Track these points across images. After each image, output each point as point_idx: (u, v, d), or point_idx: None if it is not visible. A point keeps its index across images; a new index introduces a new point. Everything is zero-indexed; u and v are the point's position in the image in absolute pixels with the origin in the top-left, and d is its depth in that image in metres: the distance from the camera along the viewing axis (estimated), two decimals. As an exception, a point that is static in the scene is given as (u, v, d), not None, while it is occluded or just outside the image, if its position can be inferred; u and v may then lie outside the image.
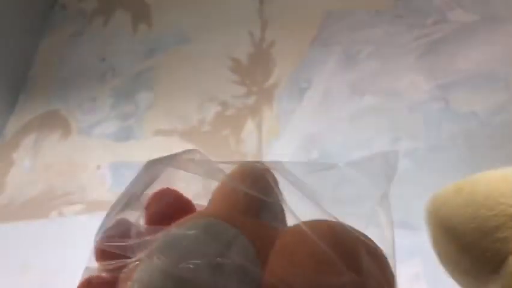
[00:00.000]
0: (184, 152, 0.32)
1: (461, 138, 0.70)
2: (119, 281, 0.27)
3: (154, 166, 0.32)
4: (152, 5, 1.05)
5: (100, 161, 0.85)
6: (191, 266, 0.24)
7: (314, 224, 0.27)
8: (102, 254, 0.28)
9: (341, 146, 0.74)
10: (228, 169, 0.30)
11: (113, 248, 0.27)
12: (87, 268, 0.29)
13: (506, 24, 0.78)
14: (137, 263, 0.26)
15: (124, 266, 0.27)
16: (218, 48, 0.93)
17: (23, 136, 0.94)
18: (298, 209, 0.28)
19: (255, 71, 0.87)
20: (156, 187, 0.31)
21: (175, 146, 0.82)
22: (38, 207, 0.82)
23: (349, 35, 0.86)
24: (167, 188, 0.30)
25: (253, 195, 0.28)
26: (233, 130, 0.81)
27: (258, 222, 0.28)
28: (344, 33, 0.86)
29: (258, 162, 0.30)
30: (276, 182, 0.29)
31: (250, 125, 0.81)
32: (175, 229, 0.27)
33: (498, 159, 0.67)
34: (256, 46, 0.91)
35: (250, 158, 0.77)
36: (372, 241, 0.28)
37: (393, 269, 0.29)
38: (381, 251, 0.28)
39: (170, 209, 0.30)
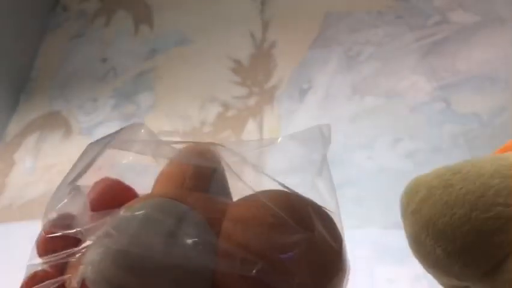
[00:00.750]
0: (127, 129, 0.33)
1: (462, 139, 0.70)
2: (67, 269, 0.26)
3: (93, 148, 0.32)
4: (154, 5, 1.05)
5: (101, 162, 0.85)
6: (144, 243, 0.24)
7: (266, 192, 0.28)
8: (45, 248, 0.28)
9: (342, 147, 0.74)
10: (172, 149, 0.31)
11: (58, 239, 0.27)
12: (29, 266, 0.28)
13: (507, 25, 0.78)
14: (86, 248, 0.26)
15: (70, 256, 0.27)
16: (219, 49, 0.93)
17: (25, 137, 0.94)
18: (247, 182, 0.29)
19: (256, 72, 0.87)
20: (97, 170, 0.31)
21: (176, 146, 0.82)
22: (39, 207, 0.82)
23: (350, 35, 0.86)
24: (107, 177, 0.31)
25: (201, 172, 0.29)
26: (234, 131, 0.81)
27: (207, 196, 0.28)
28: (344, 34, 0.86)
29: (200, 142, 0.31)
30: (221, 159, 0.30)
31: (251, 126, 0.81)
32: (123, 212, 0.27)
33: (499, 160, 0.67)
34: (257, 47, 0.91)
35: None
36: (318, 204, 0.29)
37: (340, 231, 0.30)
38: (327, 213, 0.29)
39: (112, 195, 0.30)
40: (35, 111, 0.98)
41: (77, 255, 0.26)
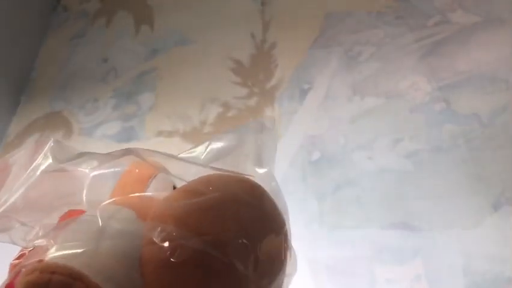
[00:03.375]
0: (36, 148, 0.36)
1: (462, 139, 0.70)
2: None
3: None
4: (154, 6, 1.06)
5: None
6: (79, 239, 0.28)
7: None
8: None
9: (342, 147, 0.74)
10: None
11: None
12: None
13: (507, 26, 0.78)
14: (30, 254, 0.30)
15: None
16: (220, 50, 0.93)
17: (26, 137, 0.94)
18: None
19: (256, 72, 0.88)
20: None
21: (177, 146, 0.82)
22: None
23: (350, 36, 0.86)
24: (72, 210, 0.35)
25: (139, 179, 0.34)
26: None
27: (142, 196, 0.33)
28: (345, 35, 0.86)
29: (144, 150, 0.34)
30: (161, 168, 0.34)
31: (251, 126, 0.81)
32: (69, 221, 0.31)
33: (499, 160, 0.67)
34: (257, 47, 0.91)
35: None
36: (245, 177, 0.33)
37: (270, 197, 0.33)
38: (253, 183, 0.33)
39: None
40: (36, 111, 0.98)
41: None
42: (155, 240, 0.27)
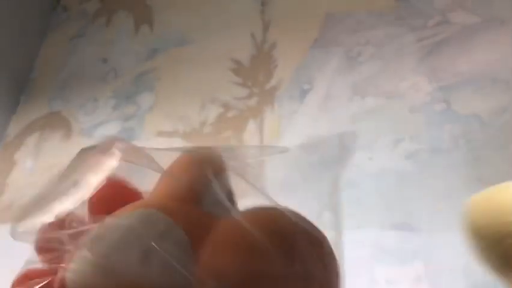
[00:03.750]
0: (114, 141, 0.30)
1: (463, 140, 0.70)
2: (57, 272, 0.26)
3: (92, 153, 0.30)
4: (154, 6, 1.05)
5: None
6: (120, 258, 0.23)
7: (251, 212, 0.26)
8: (42, 246, 0.27)
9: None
10: (173, 156, 0.29)
11: (50, 239, 0.26)
12: (27, 261, 0.28)
13: (508, 26, 0.78)
14: (71, 252, 0.25)
15: (61, 258, 0.26)
16: (220, 50, 0.93)
17: (25, 137, 0.94)
18: (244, 196, 0.28)
19: (256, 73, 0.87)
20: (96, 175, 0.29)
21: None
22: (39, 208, 0.82)
23: (350, 36, 0.86)
24: (113, 177, 0.29)
25: (196, 182, 0.27)
26: (235, 131, 0.81)
27: (196, 211, 0.27)
28: (345, 35, 0.86)
29: (203, 147, 0.29)
30: (222, 168, 0.28)
31: (251, 127, 0.81)
32: (109, 219, 0.26)
33: (500, 161, 0.67)
34: (257, 47, 0.91)
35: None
36: (316, 230, 0.27)
37: (339, 262, 0.27)
38: (326, 241, 0.27)
39: (115, 198, 0.28)
40: (36, 111, 0.98)
41: (64, 258, 0.26)
42: None
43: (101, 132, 0.89)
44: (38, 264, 0.27)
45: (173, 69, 0.94)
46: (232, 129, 0.82)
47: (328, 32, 0.88)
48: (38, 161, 0.89)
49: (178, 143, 0.83)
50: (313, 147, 0.31)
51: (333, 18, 0.89)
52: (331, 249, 0.27)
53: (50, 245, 0.26)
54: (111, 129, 0.89)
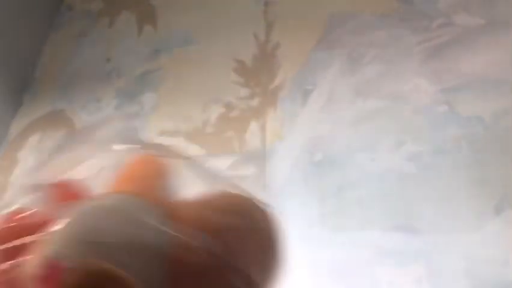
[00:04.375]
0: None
1: (465, 141, 0.70)
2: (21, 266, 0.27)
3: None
4: (158, 6, 1.06)
5: (103, 162, 0.85)
6: (109, 225, 0.26)
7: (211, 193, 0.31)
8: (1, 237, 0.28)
9: (344, 149, 0.74)
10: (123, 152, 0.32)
11: (15, 228, 0.27)
12: None
13: (511, 29, 0.78)
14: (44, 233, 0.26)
15: (27, 243, 0.27)
16: (223, 50, 0.93)
17: (28, 136, 0.94)
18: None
19: (259, 73, 0.88)
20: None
21: (179, 147, 0.82)
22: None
23: (353, 38, 0.86)
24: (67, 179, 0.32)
25: (158, 169, 0.31)
26: (237, 131, 0.82)
27: (159, 196, 0.30)
28: (348, 36, 0.86)
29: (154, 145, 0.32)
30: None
31: (254, 127, 0.81)
32: (88, 202, 0.28)
33: (502, 163, 0.67)
34: (260, 48, 0.91)
35: (253, 159, 0.78)
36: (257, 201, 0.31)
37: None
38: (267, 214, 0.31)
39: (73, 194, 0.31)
40: (39, 110, 0.98)
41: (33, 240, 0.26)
42: (193, 245, 0.26)
43: (103, 132, 0.90)
44: None
45: (176, 69, 0.94)
46: (234, 130, 0.82)
47: (331, 33, 0.88)
48: (41, 159, 0.89)
49: (181, 142, 0.83)
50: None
51: (336, 19, 0.89)
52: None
53: (9, 235, 0.26)
54: (113, 128, 0.89)
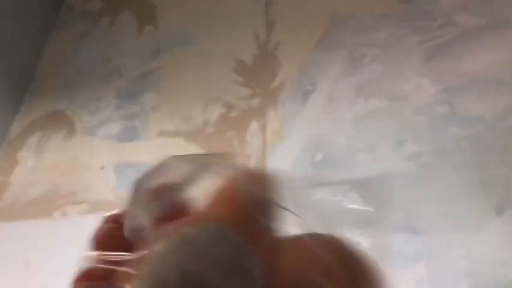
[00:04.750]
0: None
1: (466, 142, 0.69)
2: (116, 276, 0.25)
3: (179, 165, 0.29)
4: (158, 6, 1.06)
5: (104, 162, 0.85)
6: (206, 266, 0.23)
7: (318, 236, 0.26)
8: (103, 243, 0.26)
9: (345, 149, 0.74)
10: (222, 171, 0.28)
11: (120, 237, 0.25)
12: (85, 257, 0.27)
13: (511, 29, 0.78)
14: (142, 258, 0.24)
15: (123, 261, 0.25)
16: (223, 50, 0.93)
17: (28, 136, 0.94)
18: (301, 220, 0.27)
19: (259, 73, 0.87)
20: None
21: (179, 147, 0.82)
22: (42, 207, 0.82)
23: (354, 37, 0.85)
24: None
25: (257, 200, 0.27)
26: (237, 132, 0.81)
27: (261, 230, 0.27)
28: (349, 36, 0.86)
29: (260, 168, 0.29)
30: (279, 188, 0.28)
31: (254, 127, 0.81)
32: (187, 228, 0.25)
33: (503, 163, 0.67)
34: (261, 48, 0.91)
35: (254, 160, 0.77)
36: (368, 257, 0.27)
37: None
38: (377, 268, 0.27)
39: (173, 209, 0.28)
40: (39, 110, 0.98)
41: (132, 261, 0.25)
42: None
43: (104, 132, 0.90)
44: (96, 261, 0.26)
45: (176, 69, 0.94)
46: (235, 130, 0.82)
47: (332, 33, 0.88)
48: (41, 159, 0.89)
49: (181, 142, 0.83)
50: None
51: (337, 19, 0.89)
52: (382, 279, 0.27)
53: (112, 241, 0.25)
54: (114, 128, 0.89)
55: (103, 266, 0.26)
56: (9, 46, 0.99)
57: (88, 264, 0.26)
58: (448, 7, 0.84)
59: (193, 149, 0.81)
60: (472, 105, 0.73)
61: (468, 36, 0.80)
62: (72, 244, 0.74)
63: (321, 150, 0.75)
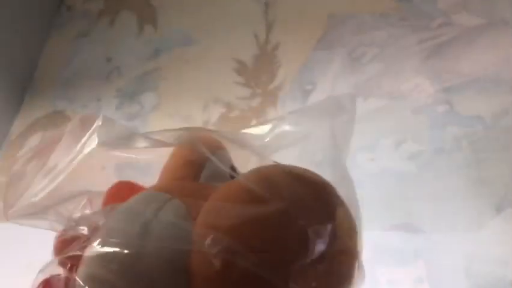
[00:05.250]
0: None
1: (466, 141, 0.70)
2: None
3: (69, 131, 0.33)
4: (158, 6, 1.06)
5: (104, 162, 0.85)
6: (120, 235, 0.26)
7: (249, 171, 0.28)
8: (59, 249, 0.29)
9: (344, 148, 0.74)
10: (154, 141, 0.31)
11: (71, 240, 0.28)
12: (46, 265, 0.29)
13: (511, 28, 0.78)
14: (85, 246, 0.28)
15: (78, 254, 0.28)
16: (223, 50, 0.93)
17: (28, 136, 0.94)
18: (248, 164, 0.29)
19: (259, 73, 0.88)
20: (101, 170, 0.33)
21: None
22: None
23: (353, 37, 0.86)
24: (121, 182, 0.33)
25: (191, 162, 0.30)
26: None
27: (192, 184, 0.29)
28: (348, 36, 0.86)
29: (195, 129, 0.31)
30: (218, 147, 0.30)
31: (254, 127, 0.81)
32: (115, 206, 0.29)
33: (502, 162, 0.67)
34: (261, 48, 0.91)
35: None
36: (316, 175, 0.29)
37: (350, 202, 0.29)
38: (326, 188, 0.28)
39: (123, 197, 0.31)
40: (39, 110, 0.98)
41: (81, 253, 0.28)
42: (207, 251, 0.24)
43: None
44: (56, 267, 0.28)
45: (176, 69, 0.94)
46: (235, 130, 0.82)
47: (331, 33, 0.88)
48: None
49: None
50: (304, 111, 0.33)
51: (336, 19, 0.89)
52: (331, 190, 0.28)
53: (65, 247, 0.28)
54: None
55: (61, 269, 0.28)
56: (9, 46, 1.00)
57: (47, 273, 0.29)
58: (447, 6, 0.84)
59: (193, 148, 0.81)
60: (471, 105, 0.73)
61: (467, 36, 0.80)
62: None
63: (320, 150, 0.75)
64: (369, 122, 0.75)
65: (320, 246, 0.25)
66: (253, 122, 0.82)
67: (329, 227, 0.26)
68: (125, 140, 0.30)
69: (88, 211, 0.30)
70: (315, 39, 0.88)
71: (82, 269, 0.26)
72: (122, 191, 0.30)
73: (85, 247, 0.27)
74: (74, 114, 0.95)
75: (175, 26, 1.01)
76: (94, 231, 0.27)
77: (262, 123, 0.32)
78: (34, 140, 0.93)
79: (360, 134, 0.75)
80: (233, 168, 0.30)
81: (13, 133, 0.96)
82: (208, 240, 0.24)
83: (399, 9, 0.86)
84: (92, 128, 0.32)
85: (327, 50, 0.86)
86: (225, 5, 1.00)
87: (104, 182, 0.34)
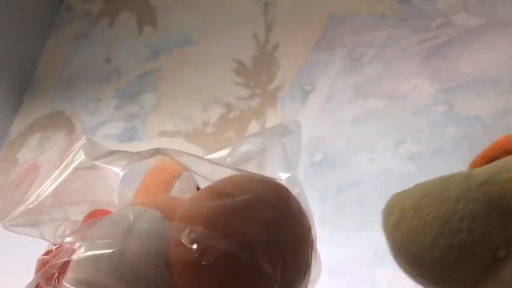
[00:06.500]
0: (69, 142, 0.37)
1: (465, 142, 0.70)
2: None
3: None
4: (157, 6, 1.06)
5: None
6: (102, 242, 0.29)
7: (226, 178, 0.32)
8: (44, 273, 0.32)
9: (344, 149, 0.74)
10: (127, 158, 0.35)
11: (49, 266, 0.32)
12: (30, 283, 0.32)
13: (510, 28, 0.78)
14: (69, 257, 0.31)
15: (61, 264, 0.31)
16: (222, 50, 0.93)
17: (28, 136, 0.94)
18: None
19: (259, 73, 0.88)
20: (75, 194, 0.36)
21: (179, 147, 0.82)
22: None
23: (353, 38, 0.86)
24: (97, 210, 0.36)
25: (162, 179, 0.35)
26: (237, 132, 0.82)
27: (164, 197, 0.34)
28: (348, 36, 0.86)
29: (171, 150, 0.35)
30: (183, 169, 0.35)
31: (254, 127, 0.81)
32: (96, 220, 0.32)
33: (502, 163, 0.67)
34: (260, 48, 0.91)
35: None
36: (272, 178, 0.33)
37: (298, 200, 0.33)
38: (280, 186, 0.33)
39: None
40: (39, 111, 0.98)
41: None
42: (184, 241, 0.27)
43: (104, 132, 0.90)
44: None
45: (176, 70, 0.94)
46: (235, 130, 0.82)
47: (331, 34, 0.88)
48: (41, 160, 0.89)
49: (181, 143, 0.83)
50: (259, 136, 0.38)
51: (335, 19, 0.89)
52: (285, 190, 0.32)
53: (50, 271, 0.30)
54: (114, 129, 0.90)
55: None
56: (8, 47, 1.00)
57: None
58: (447, 7, 0.84)
59: (192, 149, 0.82)
60: (470, 105, 0.73)
61: (467, 36, 0.80)
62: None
63: (320, 150, 0.75)
64: (368, 123, 0.76)
65: (276, 226, 0.30)
66: (253, 122, 0.82)
67: (285, 211, 0.30)
68: (107, 156, 0.35)
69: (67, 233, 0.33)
70: (315, 39, 0.88)
71: (70, 274, 0.28)
72: (100, 215, 0.33)
73: (71, 255, 0.30)
74: (74, 114, 0.95)
75: (175, 27, 1.01)
76: (78, 240, 0.30)
77: (218, 150, 0.37)
78: (34, 140, 0.93)
79: (360, 134, 0.76)
80: (198, 188, 0.35)
81: (13, 133, 0.96)
82: (185, 232, 0.27)
83: (399, 10, 0.86)
84: (79, 144, 0.36)
85: (327, 51, 0.86)
86: (224, 6, 1.00)
87: (103, 181, 0.37)
